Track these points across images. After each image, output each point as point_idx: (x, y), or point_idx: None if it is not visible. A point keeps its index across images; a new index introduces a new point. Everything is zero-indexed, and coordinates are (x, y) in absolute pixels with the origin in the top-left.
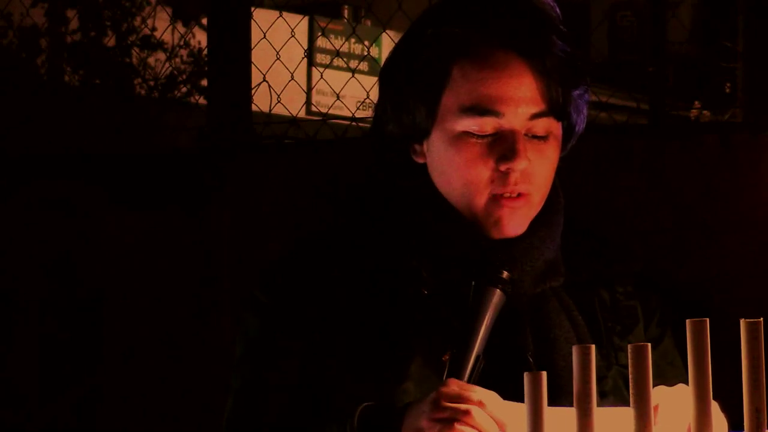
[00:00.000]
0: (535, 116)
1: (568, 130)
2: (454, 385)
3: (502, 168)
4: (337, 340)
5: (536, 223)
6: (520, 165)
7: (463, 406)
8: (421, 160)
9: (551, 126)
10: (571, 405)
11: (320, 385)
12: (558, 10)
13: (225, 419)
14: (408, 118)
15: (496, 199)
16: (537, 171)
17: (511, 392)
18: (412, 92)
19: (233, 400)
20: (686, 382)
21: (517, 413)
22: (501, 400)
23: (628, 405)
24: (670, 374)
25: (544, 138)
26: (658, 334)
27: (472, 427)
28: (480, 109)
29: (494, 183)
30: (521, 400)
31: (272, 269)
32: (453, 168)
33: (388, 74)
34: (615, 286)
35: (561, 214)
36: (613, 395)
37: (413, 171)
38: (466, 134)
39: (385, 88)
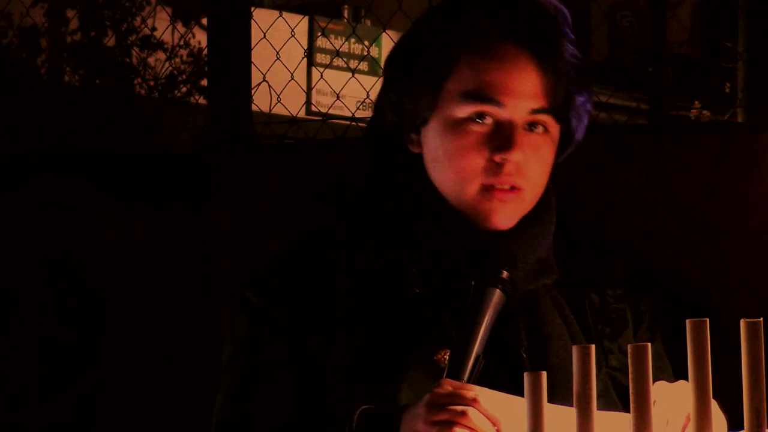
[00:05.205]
0: (536, 111)
1: (566, 137)
2: (448, 385)
3: (497, 158)
4: (330, 340)
5: (528, 222)
6: (515, 156)
7: (459, 408)
8: (416, 150)
9: (550, 125)
10: (564, 402)
11: (313, 386)
12: (570, 19)
13: (215, 419)
14: (410, 104)
15: (487, 190)
16: (531, 166)
17: (506, 390)
18: (417, 76)
19: (223, 401)
20: None
21: (512, 407)
22: (496, 396)
23: (617, 407)
24: (660, 378)
25: (541, 135)
26: (647, 337)
27: (470, 428)
28: (482, 95)
29: (487, 173)
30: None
31: (263, 270)
32: (447, 155)
33: (396, 58)
34: (605, 289)
35: (553, 214)
36: (603, 397)
37: (407, 161)
38: (465, 121)
39: (391, 73)
